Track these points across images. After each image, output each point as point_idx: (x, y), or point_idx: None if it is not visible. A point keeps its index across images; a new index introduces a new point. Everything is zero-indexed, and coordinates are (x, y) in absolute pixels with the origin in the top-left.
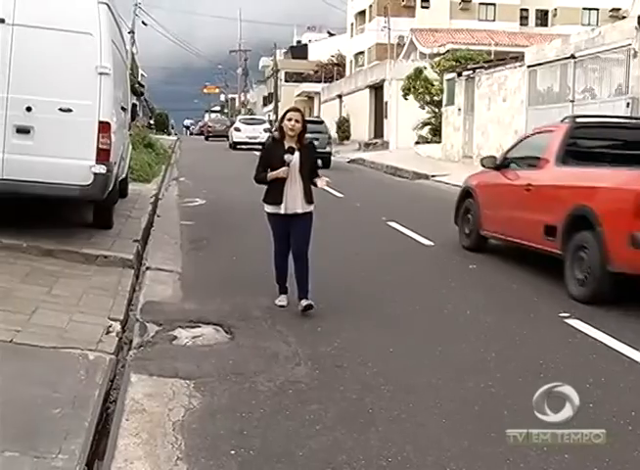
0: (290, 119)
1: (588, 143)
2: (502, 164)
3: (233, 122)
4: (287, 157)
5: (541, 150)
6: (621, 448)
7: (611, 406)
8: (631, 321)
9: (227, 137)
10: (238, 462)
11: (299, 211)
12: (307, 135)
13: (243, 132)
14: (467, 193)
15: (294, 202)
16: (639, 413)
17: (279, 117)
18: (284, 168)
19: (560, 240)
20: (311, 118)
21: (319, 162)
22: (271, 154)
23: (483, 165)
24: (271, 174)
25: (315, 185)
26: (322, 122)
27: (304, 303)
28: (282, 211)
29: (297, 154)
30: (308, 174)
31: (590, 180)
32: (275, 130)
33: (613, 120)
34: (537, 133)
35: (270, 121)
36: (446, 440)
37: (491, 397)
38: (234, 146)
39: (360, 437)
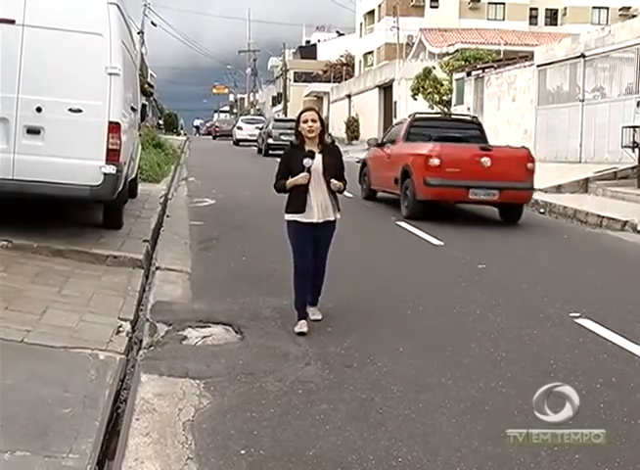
0: (305, 121)
1: (422, 129)
2: (381, 143)
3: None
4: (306, 161)
5: (397, 133)
6: (633, 449)
7: (621, 406)
8: None
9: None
10: (248, 462)
11: (325, 219)
12: (283, 134)
13: (244, 131)
14: (364, 163)
15: (318, 210)
16: None
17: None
18: (303, 174)
19: (399, 186)
20: (285, 117)
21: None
22: (291, 160)
23: (369, 144)
24: (290, 181)
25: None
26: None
27: (314, 315)
28: (305, 220)
29: (318, 157)
30: (333, 177)
31: (412, 150)
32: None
33: (439, 116)
34: (397, 124)
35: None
36: (456, 440)
37: (501, 397)
38: (237, 142)
39: (370, 437)
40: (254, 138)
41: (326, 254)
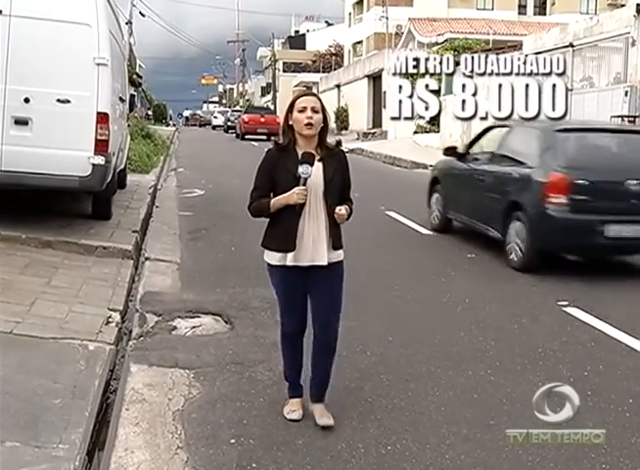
0: (302, 110)
1: (251, 109)
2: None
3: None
4: (302, 169)
5: (243, 111)
6: (619, 435)
7: (609, 394)
8: (629, 309)
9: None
10: (238, 451)
11: (321, 262)
12: (236, 119)
13: (218, 119)
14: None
15: (313, 247)
16: (637, 400)
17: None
18: (298, 189)
19: (240, 128)
20: (239, 108)
21: None
22: (277, 167)
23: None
24: (278, 200)
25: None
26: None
27: (321, 419)
28: (296, 263)
29: (317, 166)
30: (337, 200)
31: (242, 116)
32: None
33: (257, 105)
34: (248, 108)
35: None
36: (445, 428)
37: (490, 385)
38: (214, 127)
39: (359, 425)
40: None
41: (333, 326)
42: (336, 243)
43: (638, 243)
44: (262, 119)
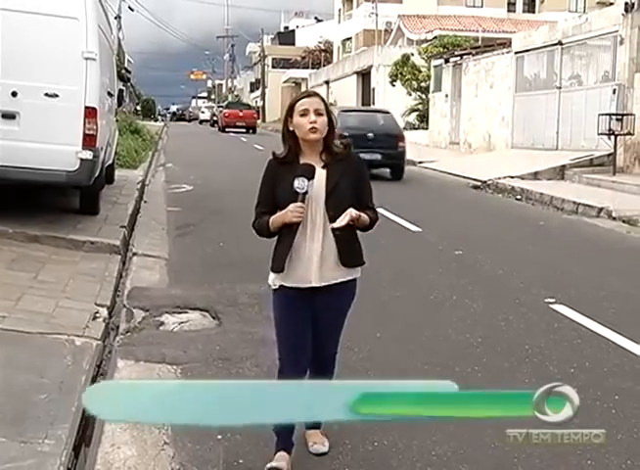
0: (304, 113)
1: (230, 104)
2: (223, 108)
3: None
4: (297, 184)
5: (222, 107)
6: (605, 432)
7: (595, 390)
8: (616, 307)
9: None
10: (224, 447)
11: (322, 282)
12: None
13: (205, 114)
14: (220, 113)
15: (309, 266)
16: (622, 397)
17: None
18: (293, 205)
19: (219, 121)
20: (224, 104)
21: None
22: (276, 179)
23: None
24: (275, 218)
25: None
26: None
27: (314, 447)
28: (293, 284)
29: (321, 173)
30: (347, 208)
31: (224, 111)
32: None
33: (235, 100)
34: (227, 103)
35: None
36: (431, 424)
37: (477, 381)
38: (200, 122)
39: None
40: (209, 119)
41: (333, 347)
42: (344, 259)
43: (374, 163)
44: (241, 114)
